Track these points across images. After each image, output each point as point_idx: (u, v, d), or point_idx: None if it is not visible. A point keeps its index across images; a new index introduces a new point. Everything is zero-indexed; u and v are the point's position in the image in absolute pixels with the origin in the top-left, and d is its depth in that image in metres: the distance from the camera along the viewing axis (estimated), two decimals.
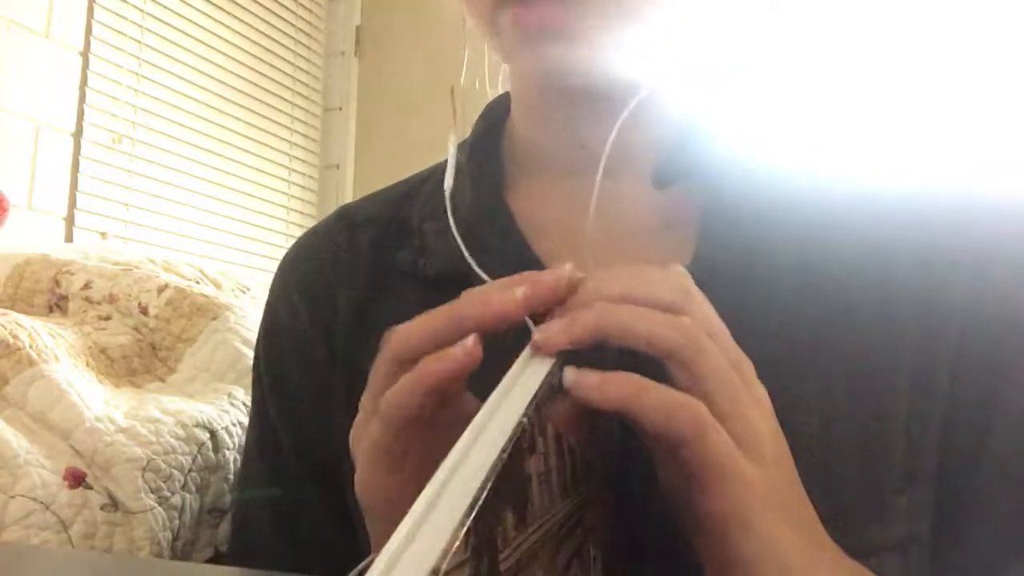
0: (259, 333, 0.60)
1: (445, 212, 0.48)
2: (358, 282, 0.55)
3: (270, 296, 0.60)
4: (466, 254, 0.43)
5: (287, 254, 0.61)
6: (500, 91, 0.60)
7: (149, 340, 0.72)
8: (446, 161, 0.51)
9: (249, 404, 0.65)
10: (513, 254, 0.50)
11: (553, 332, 0.34)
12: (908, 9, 1.78)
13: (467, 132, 0.59)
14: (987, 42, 1.76)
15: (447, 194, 0.48)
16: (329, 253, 0.57)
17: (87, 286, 0.74)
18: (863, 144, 0.54)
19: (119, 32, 1.91)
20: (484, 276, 0.39)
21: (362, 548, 0.49)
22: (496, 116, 0.58)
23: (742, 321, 0.40)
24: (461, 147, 0.55)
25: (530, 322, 0.35)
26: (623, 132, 0.46)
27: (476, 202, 0.53)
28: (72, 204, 1.77)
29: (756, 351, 0.39)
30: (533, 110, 0.54)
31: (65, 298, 0.74)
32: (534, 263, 0.50)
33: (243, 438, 0.65)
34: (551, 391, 0.32)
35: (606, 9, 0.45)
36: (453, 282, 0.44)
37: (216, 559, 0.64)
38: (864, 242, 0.47)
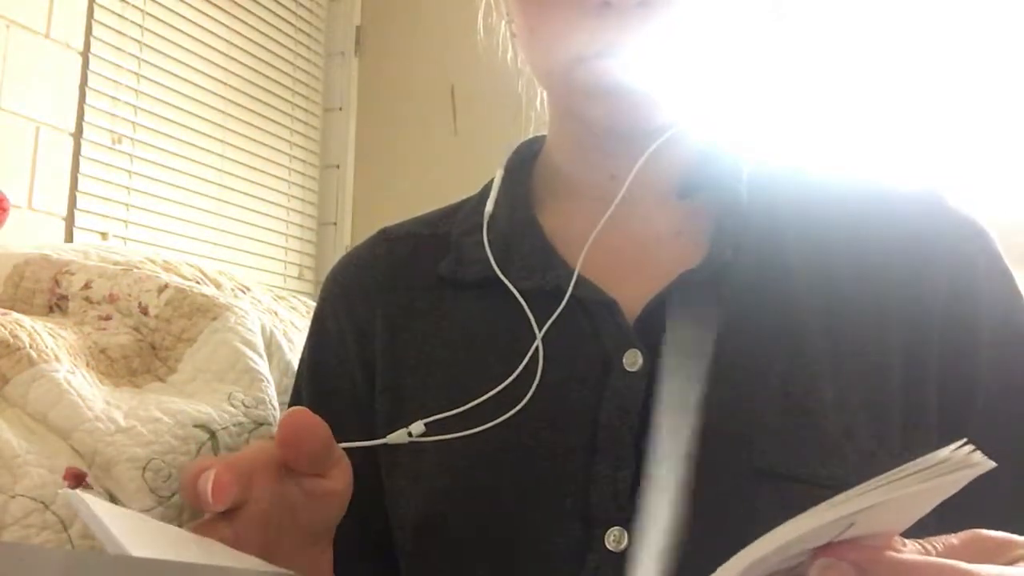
0: (306, 338, 0.67)
1: (481, 228, 0.58)
2: (396, 286, 0.62)
3: (316, 307, 0.67)
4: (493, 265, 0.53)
5: (332, 268, 0.68)
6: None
7: (149, 340, 0.72)
8: (480, 190, 0.60)
9: (248, 404, 0.66)
10: (541, 261, 0.57)
11: None
12: (908, 19, 1.78)
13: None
14: (985, 58, 1.77)
15: (486, 215, 0.58)
16: (368, 263, 0.65)
17: (87, 286, 0.74)
18: (860, 150, 0.61)
19: (119, 32, 1.90)
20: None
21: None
22: (529, 151, 0.66)
23: (758, 312, 0.51)
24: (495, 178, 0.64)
25: None
26: (649, 159, 0.55)
27: (510, 219, 0.60)
28: (72, 204, 1.77)
29: (772, 337, 0.50)
30: (571, 148, 0.62)
31: (65, 298, 0.74)
32: (560, 266, 0.57)
33: (243, 438, 0.66)
34: None
35: (662, 58, 0.51)
36: (489, 287, 0.56)
37: None
38: (858, 239, 0.55)
